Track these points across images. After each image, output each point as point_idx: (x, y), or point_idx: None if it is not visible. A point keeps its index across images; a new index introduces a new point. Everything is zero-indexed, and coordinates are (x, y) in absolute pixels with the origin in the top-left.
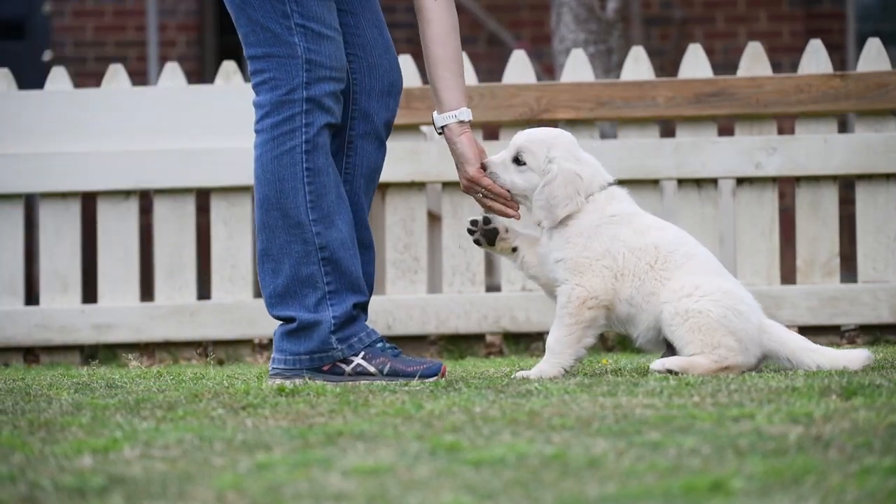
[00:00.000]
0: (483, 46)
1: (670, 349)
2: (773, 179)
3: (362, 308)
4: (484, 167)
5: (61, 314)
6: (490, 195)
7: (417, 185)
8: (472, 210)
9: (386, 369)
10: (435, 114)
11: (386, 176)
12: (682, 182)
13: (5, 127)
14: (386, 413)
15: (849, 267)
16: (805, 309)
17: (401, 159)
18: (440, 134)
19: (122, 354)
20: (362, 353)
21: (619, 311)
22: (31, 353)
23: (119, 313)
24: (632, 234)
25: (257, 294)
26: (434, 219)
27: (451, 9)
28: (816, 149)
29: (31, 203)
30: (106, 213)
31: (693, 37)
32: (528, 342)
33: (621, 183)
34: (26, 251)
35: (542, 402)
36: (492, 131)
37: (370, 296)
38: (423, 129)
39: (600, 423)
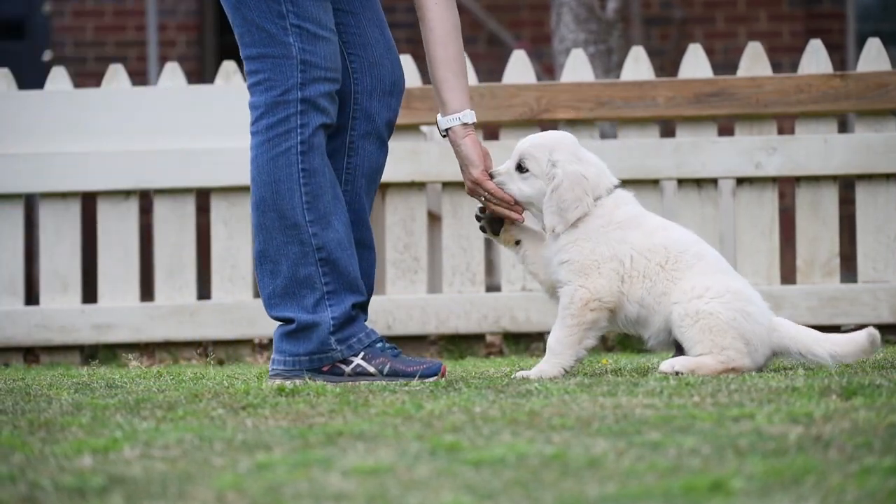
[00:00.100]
0: (483, 46)
1: (679, 350)
2: (773, 179)
3: (361, 308)
4: (491, 176)
5: (61, 314)
6: (493, 199)
7: (417, 185)
8: (472, 210)
9: (386, 369)
10: (439, 116)
11: (386, 176)
12: (682, 182)
13: (5, 127)
14: (386, 413)
15: (849, 267)
16: (805, 309)
17: (401, 159)
18: (444, 136)
19: (122, 354)
20: (362, 354)
21: (630, 313)
22: (31, 353)
23: (119, 313)
24: (641, 237)
25: (257, 294)
26: (434, 219)
27: (452, 9)
28: (816, 149)
29: (31, 203)
30: (106, 213)
31: (693, 37)
32: (528, 342)
33: (621, 183)
34: (26, 251)
35: (542, 402)
36: (492, 131)
37: (370, 296)
38: (424, 129)
39: (600, 423)
